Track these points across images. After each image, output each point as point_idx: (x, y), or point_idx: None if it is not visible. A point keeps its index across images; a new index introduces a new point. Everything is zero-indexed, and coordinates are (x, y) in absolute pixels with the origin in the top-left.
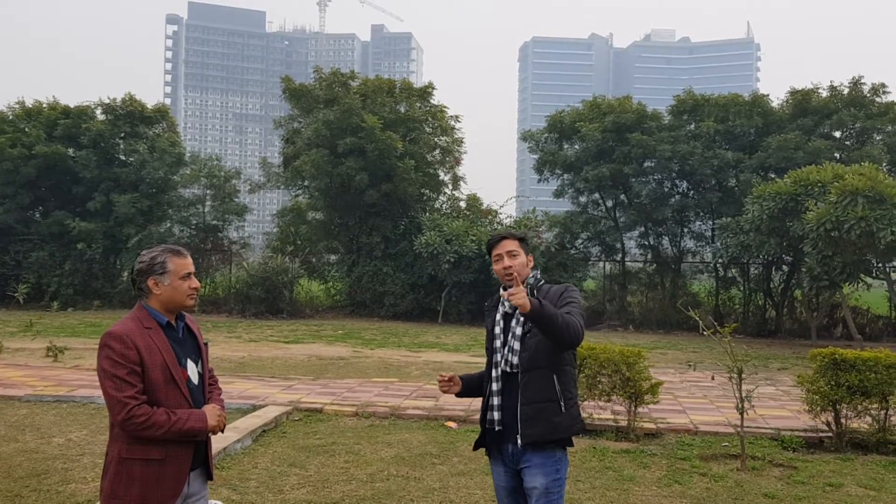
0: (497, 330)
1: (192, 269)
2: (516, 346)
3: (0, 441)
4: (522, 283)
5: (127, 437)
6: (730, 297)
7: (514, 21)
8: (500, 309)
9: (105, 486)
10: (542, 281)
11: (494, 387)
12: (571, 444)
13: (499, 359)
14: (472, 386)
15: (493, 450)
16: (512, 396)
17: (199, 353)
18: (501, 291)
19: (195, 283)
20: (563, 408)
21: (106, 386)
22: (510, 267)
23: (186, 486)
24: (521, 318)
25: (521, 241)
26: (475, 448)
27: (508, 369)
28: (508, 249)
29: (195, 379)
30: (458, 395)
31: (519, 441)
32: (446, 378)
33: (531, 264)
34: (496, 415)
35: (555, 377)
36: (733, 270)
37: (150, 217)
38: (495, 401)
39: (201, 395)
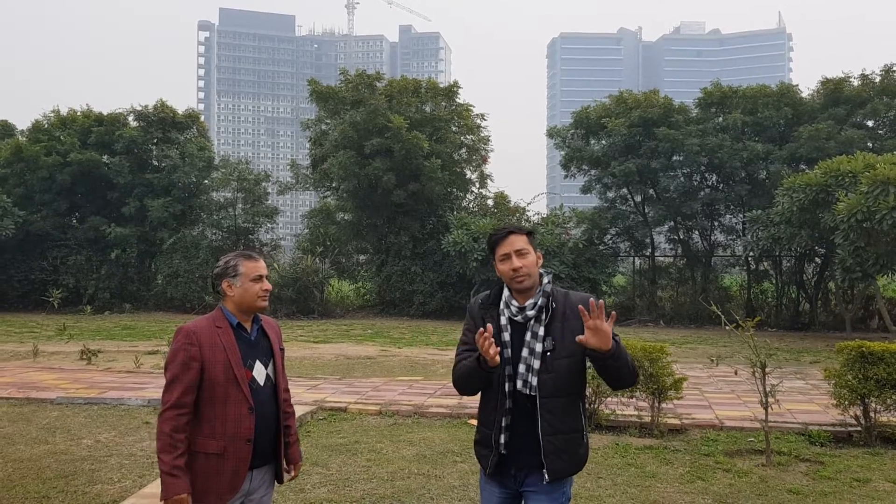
0: (506, 337)
1: (263, 272)
2: (536, 364)
3: (31, 443)
4: (533, 287)
5: (192, 431)
6: (762, 291)
7: (543, 17)
8: (506, 312)
9: None
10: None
11: (507, 404)
12: None
13: (511, 374)
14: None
15: (493, 470)
16: (522, 418)
17: (270, 357)
18: (506, 291)
19: (266, 285)
20: (584, 437)
21: (165, 375)
22: (520, 269)
23: (248, 483)
24: (541, 333)
25: (530, 235)
26: (489, 470)
27: (527, 391)
28: (517, 248)
29: (261, 380)
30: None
31: (546, 477)
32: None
33: (541, 261)
34: (503, 437)
35: (580, 405)
36: (765, 263)
37: (183, 221)
38: (506, 421)
39: (270, 398)
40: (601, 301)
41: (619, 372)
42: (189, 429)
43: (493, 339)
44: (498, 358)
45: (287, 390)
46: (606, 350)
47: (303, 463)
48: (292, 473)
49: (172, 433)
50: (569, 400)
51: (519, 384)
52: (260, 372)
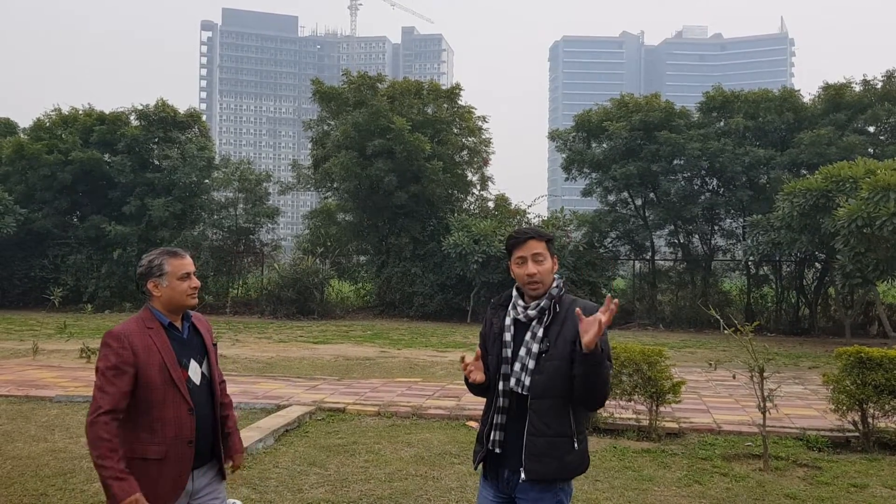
0: (507, 337)
1: (190, 268)
2: (531, 364)
3: (30, 441)
4: (546, 292)
5: (128, 437)
6: (762, 296)
7: (545, 19)
8: (512, 313)
9: None
10: (564, 290)
11: (501, 402)
12: None
13: (508, 373)
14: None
15: (488, 470)
16: (518, 419)
17: (204, 354)
18: (514, 292)
19: (195, 282)
20: (575, 444)
21: (95, 382)
22: (535, 275)
23: (190, 484)
24: (540, 334)
25: (549, 241)
26: (476, 466)
27: (520, 390)
28: (535, 252)
29: (196, 379)
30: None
31: (522, 475)
32: (471, 360)
33: (556, 268)
34: (497, 435)
35: (571, 409)
36: (765, 268)
37: (184, 220)
38: (498, 419)
39: (206, 396)
40: (616, 300)
41: (594, 379)
42: (122, 434)
43: (472, 368)
44: (480, 378)
45: (223, 381)
46: (586, 348)
47: (244, 454)
48: (230, 465)
49: (112, 438)
50: (557, 403)
51: (512, 382)
52: (195, 371)
